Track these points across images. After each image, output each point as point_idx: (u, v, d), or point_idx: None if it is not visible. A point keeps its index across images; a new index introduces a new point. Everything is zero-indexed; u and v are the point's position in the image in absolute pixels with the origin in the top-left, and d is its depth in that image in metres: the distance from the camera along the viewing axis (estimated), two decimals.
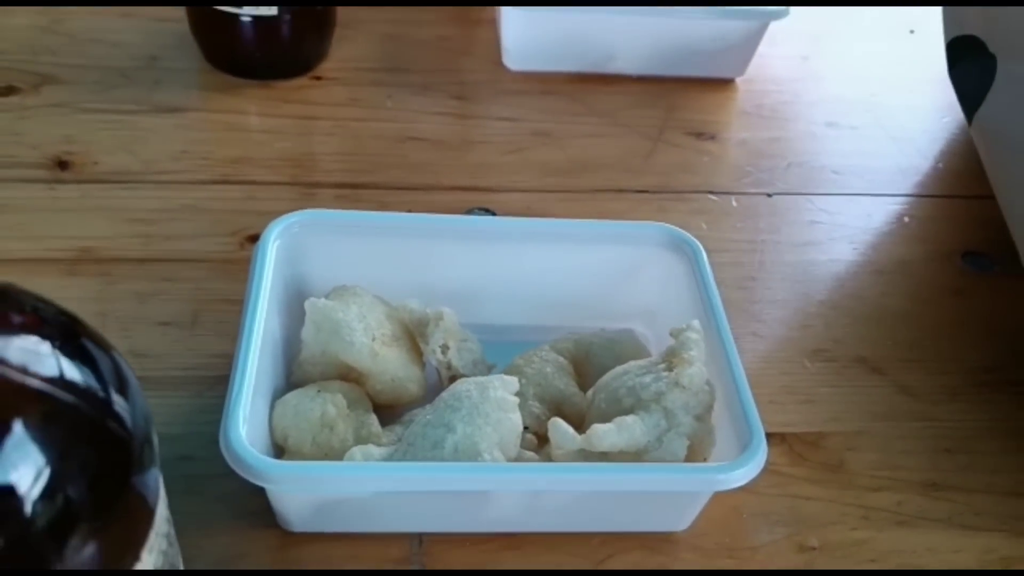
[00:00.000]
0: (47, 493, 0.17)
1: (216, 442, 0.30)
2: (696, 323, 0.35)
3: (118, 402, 0.20)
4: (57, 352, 0.18)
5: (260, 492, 0.32)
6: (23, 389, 0.17)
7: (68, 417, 0.18)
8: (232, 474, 0.31)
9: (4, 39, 0.53)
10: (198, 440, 0.35)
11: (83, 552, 0.18)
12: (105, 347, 0.20)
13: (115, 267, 0.42)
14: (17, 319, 0.18)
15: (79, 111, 0.49)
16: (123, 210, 0.45)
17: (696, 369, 0.33)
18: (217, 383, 0.37)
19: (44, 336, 0.18)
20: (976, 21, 0.44)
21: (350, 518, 0.33)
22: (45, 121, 0.49)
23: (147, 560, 0.20)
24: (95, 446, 0.19)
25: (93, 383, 0.19)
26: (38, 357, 0.18)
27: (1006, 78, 0.43)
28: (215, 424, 0.31)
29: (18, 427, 0.17)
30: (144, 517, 0.20)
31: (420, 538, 0.34)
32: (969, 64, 0.45)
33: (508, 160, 0.51)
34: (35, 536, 0.17)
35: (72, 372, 0.18)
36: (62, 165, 0.46)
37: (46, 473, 0.17)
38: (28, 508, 0.17)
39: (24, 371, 0.17)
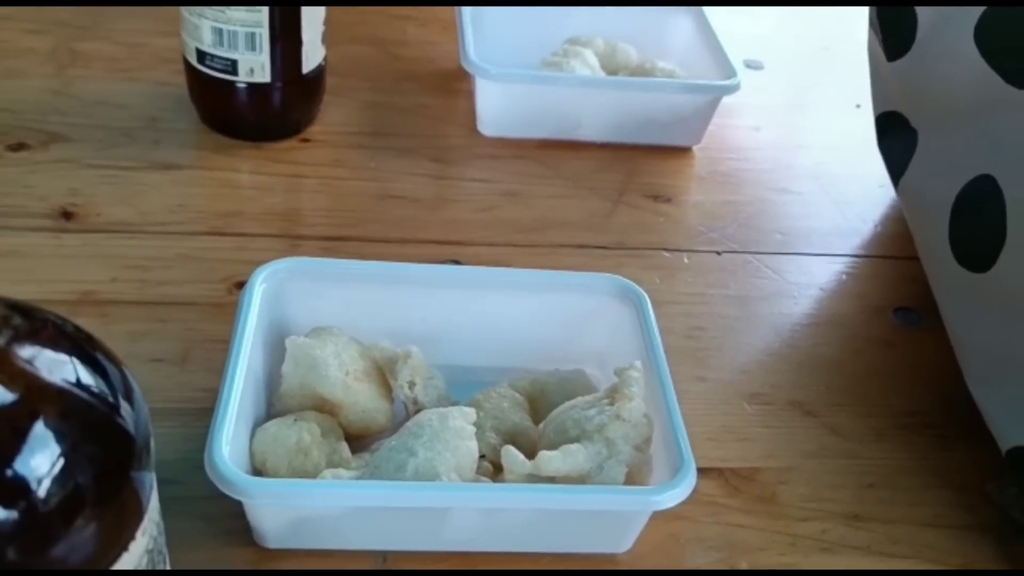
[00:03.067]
0: (60, 477, 0.21)
1: (201, 467, 0.34)
2: (638, 363, 0.39)
3: (124, 407, 0.23)
4: (75, 360, 0.22)
5: (240, 513, 0.36)
6: (46, 388, 0.21)
7: (81, 415, 0.22)
8: (214, 497, 0.34)
9: (18, 100, 0.57)
10: (184, 465, 0.38)
11: (85, 530, 0.22)
12: (115, 361, 0.24)
13: (113, 309, 0.46)
14: (43, 331, 0.22)
15: (84, 167, 0.54)
16: (122, 257, 0.49)
17: (635, 404, 0.37)
18: (204, 415, 0.40)
19: (64, 346, 0.22)
20: (898, 98, 0.49)
21: (320, 535, 0.36)
22: (52, 175, 0.53)
23: (140, 541, 0.23)
24: (103, 442, 0.22)
25: (104, 389, 0.23)
26: (59, 363, 0.22)
27: (925, 150, 0.47)
28: (201, 451, 0.34)
29: (40, 420, 0.21)
30: (137, 508, 0.24)
31: (384, 556, 0.37)
32: (895, 137, 0.50)
33: (479, 217, 0.55)
34: (47, 513, 0.21)
35: (87, 378, 0.22)
36: (67, 216, 0.50)
37: (60, 461, 0.21)
38: (43, 489, 0.21)
39: (47, 374, 0.21)
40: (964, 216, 0.43)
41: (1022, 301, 0.40)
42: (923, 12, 0.45)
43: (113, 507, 0.23)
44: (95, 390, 0.22)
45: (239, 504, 0.35)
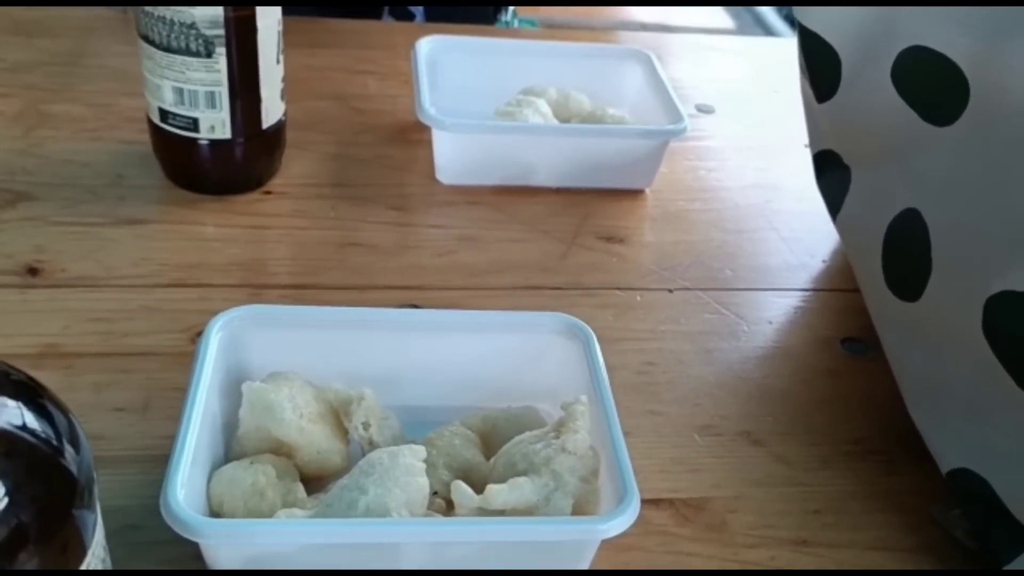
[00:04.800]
0: (3, 514, 0.22)
1: (159, 512, 0.35)
2: (584, 398, 0.40)
3: (68, 450, 0.24)
4: (21, 405, 0.23)
5: (198, 557, 0.36)
6: None
7: (25, 455, 0.23)
8: (173, 541, 0.35)
9: None
10: (143, 511, 0.39)
11: (28, 564, 0.23)
12: (63, 409, 0.25)
13: (76, 361, 0.47)
14: None
15: (50, 224, 0.55)
16: (86, 311, 0.50)
17: (581, 436, 0.38)
18: (164, 461, 0.40)
19: (11, 392, 0.23)
20: (831, 136, 0.51)
21: None
22: (19, 233, 0.54)
23: None
24: (46, 481, 0.23)
25: (49, 432, 0.24)
26: (5, 407, 0.23)
27: (858, 186, 0.49)
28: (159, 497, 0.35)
29: None
30: (80, 544, 0.25)
31: None
32: (830, 174, 0.52)
33: (437, 262, 0.57)
34: None
35: (32, 421, 0.23)
36: (32, 272, 0.52)
37: (3, 499, 0.22)
38: None
39: None
40: (895, 248, 0.45)
41: (949, 328, 0.42)
42: (845, 56, 0.47)
43: (55, 543, 0.24)
44: (40, 433, 0.23)
45: (197, 548, 0.36)
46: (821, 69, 0.48)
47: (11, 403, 0.23)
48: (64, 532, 0.24)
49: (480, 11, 0.96)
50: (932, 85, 0.42)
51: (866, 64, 0.46)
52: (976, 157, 0.41)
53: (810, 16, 0.48)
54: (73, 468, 0.24)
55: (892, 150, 0.45)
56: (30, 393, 0.24)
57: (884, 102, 0.45)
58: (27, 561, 0.23)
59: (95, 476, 0.26)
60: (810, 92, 0.51)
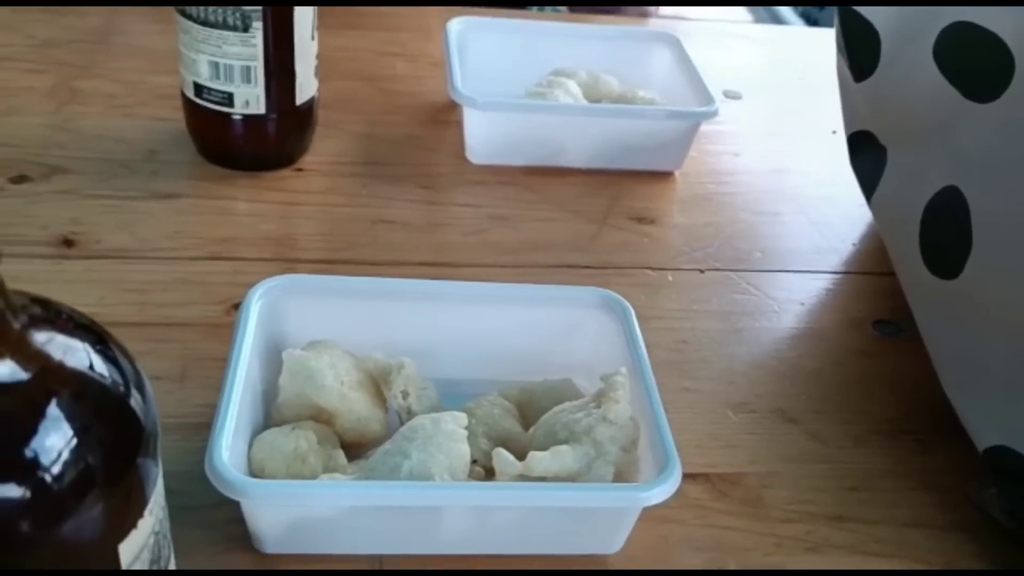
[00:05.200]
0: (72, 456, 0.22)
1: (201, 478, 0.35)
2: (623, 369, 0.40)
3: (135, 397, 0.25)
4: (89, 348, 0.23)
5: (239, 520, 0.37)
6: (61, 370, 0.22)
7: (95, 399, 0.23)
8: (214, 505, 0.35)
9: (19, 135, 0.59)
10: (184, 476, 0.39)
11: (92, 510, 0.23)
12: (129, 357, 0.25)
13: (113, 330, 0.47)
14: (59, 320, 0.23)
15: (84, 197, 0.55)
16: (121, 282, 0.50)
17: (622, 407, 0.38)
18: (203, 428, 0.41)
19: (80, 335, 0.23)
20: (867, 117, 0.51)
21: (317, 539, 0.37)
22: (54, 206, 0.54)
23: (147, 521, 0.24)
24: (113, 425, 0.24)
25: (117, 377, 0.24)
26: (74, 349, 0.23)
27: (894, 165, 0.49)
28: (201, 463, 0.35)
29: (54, 400, 0.22)
30: (143, 492, 0.25)
31: (380, 560, 0.38)
32: (865, 154, 0.52)
33: (469, 240, 0.57)
34: (59, 490, 0.22)
35: (100, 365, 0.23)
36: (68, 243, 0.52)
37: (73, 440, 0.22)
38: (56, 467, 0.22)
39: (62, 357, 0.22)
40: (933, 226, 0.45)
41: (988, 305, 0.41)
42: (886, 34, 0.47)
43: (120, 490, 0.24)
44: (108, 377, 0.24)
45: (239, 511, 0.36)
46: (860, 47, 0.48)
47: (79, 346, 0.23)
48: (128, 479, 0.24)
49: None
50: (976, 61, 0.42)
51: (907, 42, 0.46)
52: (1019, 133, 0.40)
53: None
54: (140, 414, 0.24)
55: (932, 129, 0.45)
56: (97, 338, 0.24)
57: (925, 80, 0.45)
58: (92, 506, 0.23)
59: (159, 428, 0.26)
60: (847, 72, 0.51)
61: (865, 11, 0.48)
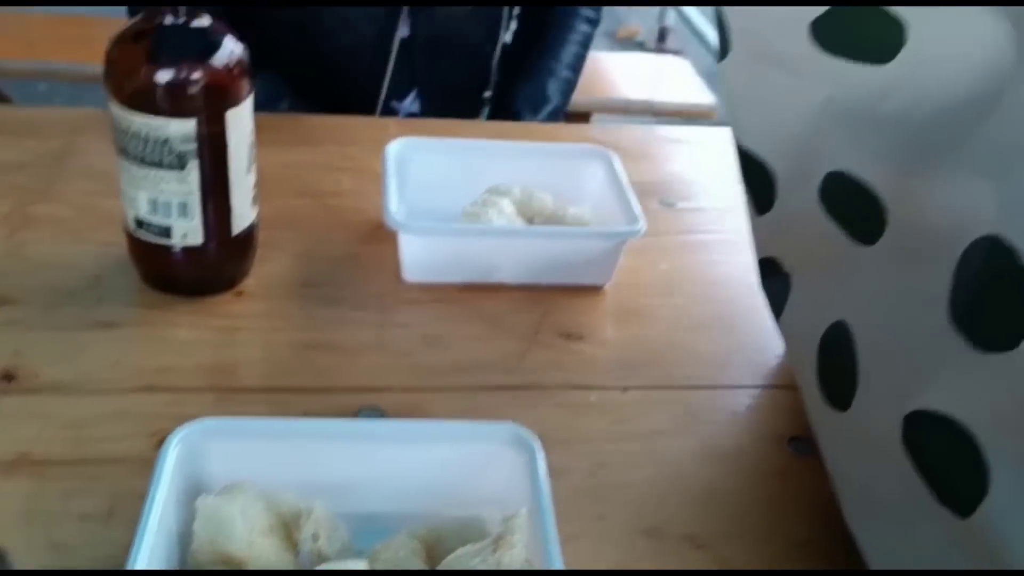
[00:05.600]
0: None
1: None
2: (523, 511, 0.42)
3: None
4: None
5: None
6: None
7: None
8: None
9: None
10: None
11: None
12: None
13: (47, 468, 0.49)
14: None
15: (29, 328, 0.57)
16: (58, 416, 0.52)
17: (517, 551, 0.40)
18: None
19: None
20: (771, 245, 0.54)
21: None
22: None
23: None
24: None
25: None
26: None
27: (797, 292, 0.52)
28: None
29: None
30: None
31: None
32: (773, 279, 0.54)
33: (401, 363, 0.59)
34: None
35: None
36: (8, 378, 0.54)
37: None
38: None
39: None
40: (827, 358, 0.47)
41: (874, 440, 0.43)
42: (780, 173, 0.50)
43: None
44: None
45: None
46: (758, 185, 0.51)
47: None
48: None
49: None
50: (853, 208, 0.45)
51: (797, 183, 0.48)
52: (895, 277, 0.43)
53: (746, 137, 0.51)
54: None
55: (824, 264, 0.48)
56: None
57: (815, 219, 0.47)
58: None
59: None
60: (751, 205, 0.53)
61: (760, 151, 0.50)
